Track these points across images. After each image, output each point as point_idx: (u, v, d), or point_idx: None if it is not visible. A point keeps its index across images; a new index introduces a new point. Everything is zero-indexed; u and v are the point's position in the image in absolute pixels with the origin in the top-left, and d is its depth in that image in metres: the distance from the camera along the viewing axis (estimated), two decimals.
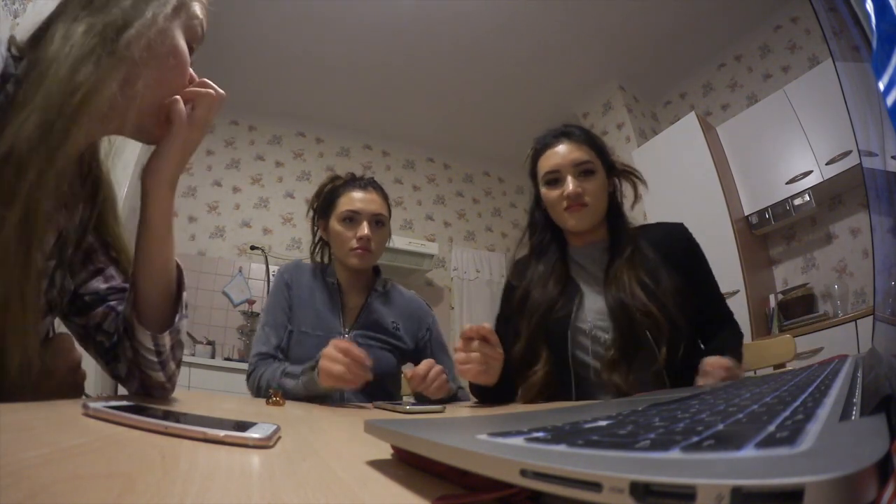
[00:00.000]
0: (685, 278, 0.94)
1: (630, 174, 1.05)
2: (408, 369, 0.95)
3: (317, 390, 0.89)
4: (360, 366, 0.84)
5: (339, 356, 0.84)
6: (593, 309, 0.96)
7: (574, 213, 0.98)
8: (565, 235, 1.07)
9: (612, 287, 0.92)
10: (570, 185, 0.97)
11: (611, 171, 1.03)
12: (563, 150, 1.00)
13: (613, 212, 1.04)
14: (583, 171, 0.98)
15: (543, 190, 1.02)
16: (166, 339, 0.58)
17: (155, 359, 0.58)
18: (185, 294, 0.60)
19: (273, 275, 1.48)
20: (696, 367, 0.83)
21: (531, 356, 0.96)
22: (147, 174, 0.56)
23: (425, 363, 0.99)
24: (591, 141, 1.02)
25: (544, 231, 1.06)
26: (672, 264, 0.95)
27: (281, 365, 1.01)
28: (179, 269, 0.60)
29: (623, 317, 0.89)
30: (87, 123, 0.47)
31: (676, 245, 1.00)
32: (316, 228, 1.27)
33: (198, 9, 0.59)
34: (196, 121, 0.57)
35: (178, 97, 0.56)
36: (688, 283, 0.93)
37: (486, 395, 0.97)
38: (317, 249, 1.29)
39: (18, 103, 0.44)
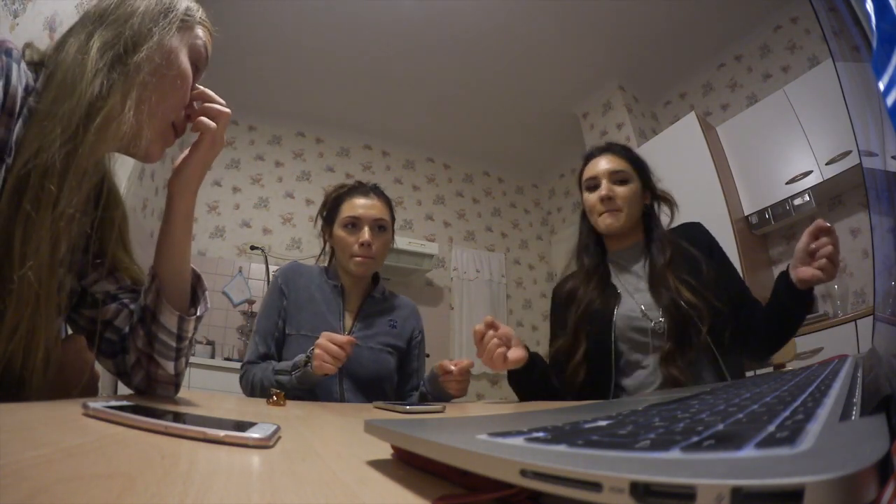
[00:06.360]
0: (717, 270, 1.03)
1: (666, 200, 1.16)
2: (443, 362, 1.09)
3: (310, 381, 1.01)
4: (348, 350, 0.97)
5: (336, 350, 0.95)
6: (640, 301, 1.04)
7: (607, 216, 1.09)
8: (605, 241, 1.17)
9: (660, 287, 1.01)
10: (604, 189, 1.09)
11: (648, 188, 1.14)
12: (602, 161, 1.14)
13: (649, 219, 1.14)
14: (617, 180, 1.11)
15: (585, 195, 1.15)
16: (191, 325, 0.61)
17: (174, 344, 0.60)
18: (206, 292, 0.65)
19: (273, 274, 1.48)
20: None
21: (575, 345, 1.04)
22: (175, 181, 0.62)
23: (467, 362, 1.09)
24: (629, 156, 1.16)
25: (589, 237, 1.18)
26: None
27: (269, 364, 1.09)
28: (196, 274, 0.64)
29: (675, 312, 0.97)
30: (102, 138, 0.51)
31: (701, 242, 1.10)
32: (323, 236, 1.28)
33: (200, 32, 0.62)
34: (217, 135, 0.63)
35: (203, 116, 0.61)
36: (719, 274, 1.03)
37: (525, 387, 1.03)
38: (325, 256, 1.30)
39: (41, 112, 0.48)
